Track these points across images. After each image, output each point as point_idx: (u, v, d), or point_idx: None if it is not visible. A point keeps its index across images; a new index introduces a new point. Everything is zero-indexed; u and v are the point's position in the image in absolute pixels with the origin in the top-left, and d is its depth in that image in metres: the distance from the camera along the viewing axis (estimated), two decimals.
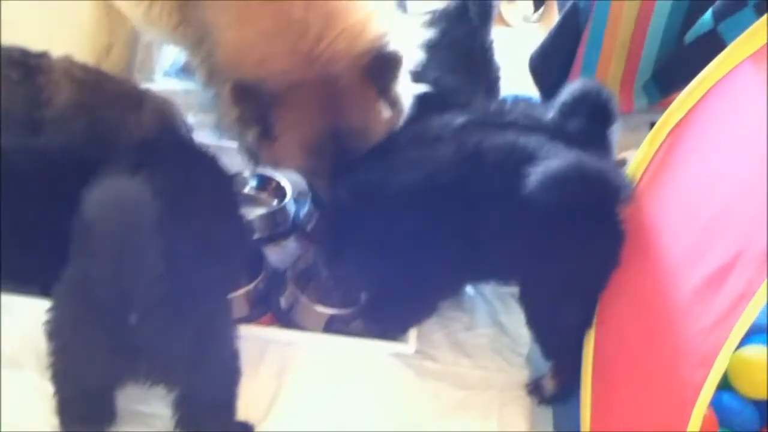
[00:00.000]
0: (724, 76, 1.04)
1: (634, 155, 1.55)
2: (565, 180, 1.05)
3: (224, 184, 1.35)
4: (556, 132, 1.26)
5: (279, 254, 1.56)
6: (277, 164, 1.37)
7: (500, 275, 1.35)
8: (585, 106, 1.30)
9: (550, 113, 1.33)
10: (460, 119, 1.33)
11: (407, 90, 1.35)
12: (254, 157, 1.33)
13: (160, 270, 0.93)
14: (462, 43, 1.64)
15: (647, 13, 1.72)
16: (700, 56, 1.61)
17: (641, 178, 1.16)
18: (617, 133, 1.41)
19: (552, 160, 1.08)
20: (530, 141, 1.18)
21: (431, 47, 1.61)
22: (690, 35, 1.66)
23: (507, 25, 2.57)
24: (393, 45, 1.25)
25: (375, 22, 1.25)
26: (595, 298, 1.16)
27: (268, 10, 1.20)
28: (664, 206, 1.07)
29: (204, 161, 1.33)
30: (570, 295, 1.19)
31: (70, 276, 1.03)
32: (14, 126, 1.29)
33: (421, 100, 1.44)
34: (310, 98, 1.21)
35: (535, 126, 1.30)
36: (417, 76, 1.51)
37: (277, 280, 1.46)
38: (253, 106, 1.21)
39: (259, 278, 1.43)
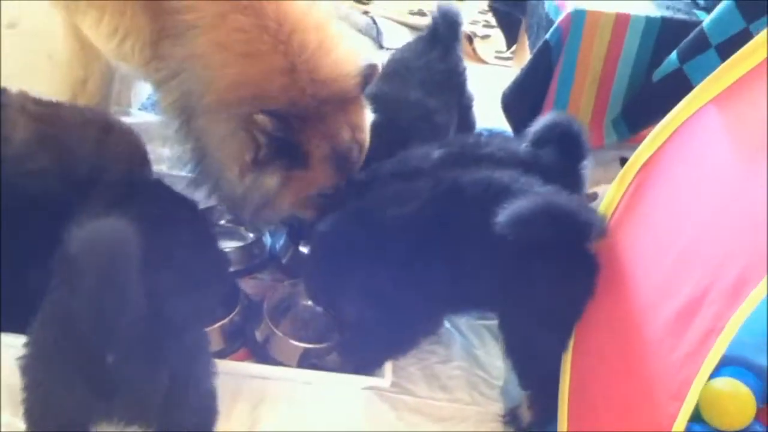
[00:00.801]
0: (689, 117, 1.08)
1: (606, 190, 1.59)
2: (532, 219, 1.08)
3: (198, 217, 1.36)
4: (530, 164, 1.30)
5: (255, 287, 1.56)
6: (300, 194, 1.36)
7: (479, 306, 1.37)
8: (556, 137, 1.33)
9: (523, 144, 1.37)
10: (438, 152, 1.36)
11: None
12: (260, 208, 1.34)
13: (142, 308, 0.93)
14: (436, 66, 1.69)
15: (616, 51, 1.78)
16: (667, 94, 1.68)
17: (613, 214, 1.19)
18: (589, 167, 1.45)
19: (521, 200, 1.11)
20: (505, 175, 1.21)
21: (407, 69, 1.67)
22: (657, 74, 1.72)
23: (481, 61, 2.63)
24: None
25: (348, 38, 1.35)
26: (571, 327, 1.19)
27: (272, 42, 1.26)
28: (635, 241, 1.10)
29: (176, 195, 1.34)
30: (546, 324, 1.21)
31: (48, 312, 1.02)
32: None
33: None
34: (332, 113, 1.29)
35: (510, 158, 1.33)
36: (396, 98, 1.57)
37: (252, 313, 1.46)
38: (284, 125, 1.23)
39: (235, 311, 1.42)
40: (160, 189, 1.35)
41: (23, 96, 1.39)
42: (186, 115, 1.34)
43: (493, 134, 1.56)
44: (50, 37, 1.63)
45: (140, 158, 1.44)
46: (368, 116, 1.41)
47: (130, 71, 1.54)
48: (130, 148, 1.42)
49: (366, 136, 1.40)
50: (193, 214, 1.35)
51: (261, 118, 1.21)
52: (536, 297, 1.18)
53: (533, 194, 1.13)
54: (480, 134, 1.53)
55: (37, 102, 1.39)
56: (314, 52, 1.29)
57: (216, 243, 1.36)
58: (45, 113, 1.37)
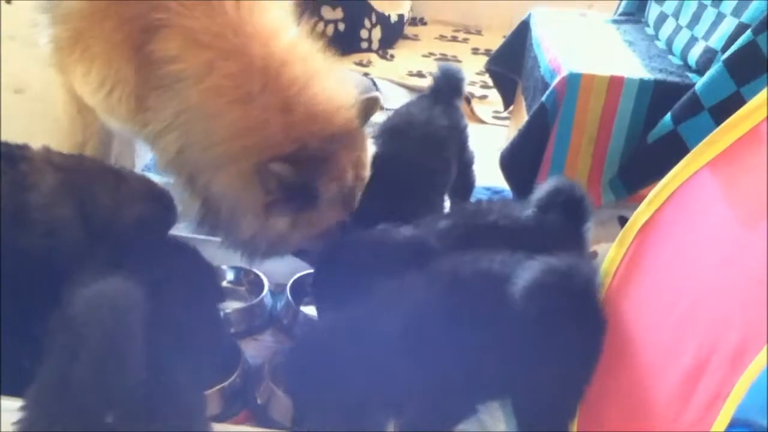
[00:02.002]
0: (687, 180, 1.10)
1: (605, 248, 1.60)
2: (543, 285, 1.08)
3: (206, 277, 1.35)
4: (534, 230, 1.30)
5: (256, 348, 1.55)
6: (310, 234, 1.36)
7: (494, 395, 1.31)
8: (560, 202, 1.35)
9: (527, 210, 1.38)
10: (443, 223, 1.37)
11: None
12: (271, 248, 1.35)
13: (143, 370, 0.92)
14: (438, 122, 1.73)
15: (611, 113, 1.81)
16: (662, 155, 1.71)
17: (614, 276, 1.19)
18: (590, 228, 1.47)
19: (526, 271, 1.11)
20: (506, 263, 1.18)
21: (410, 126, 1.70)
22: (652, 135, 1.75)
23: (479, 121, 2.69)
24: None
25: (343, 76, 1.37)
26: (581, 391, 1.17)
27: (267, 85, 1.26)
28: (638, 303, 1.10)
29: (186, 253, 1.34)
30: (557, 389, 1.19)
31: (47, 374, 1.01)
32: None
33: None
34: (337, 151, 1.29)
35: (513, 225, 1.34)
36: (397, 154, 1.59)
37: (253, 375, 1.45)
38: (300, 169, 1.23)
39: (236, 374, 1.41)
40: (168, 243, 1.35)
41: (47, 149, 1.42)
42: (189, 171, 1.33)
43: (494, 200, 1.58)
44: (56, 102, 1.66)
45: (155, 208, 1.45)
46: (370, 150, 1.44)
47: (122, 127, 1.53)
48: (145, 198, 1.44)
49: (367, 171, 1.42)
50: (201, 272, 1.34)
51: (278, 167, 1.22)
52: (550, 365, 1.15)
53: (535, 263, 1.12)
54: (481, 201, 1.55)
55: (60, 154, 1.42)
56: (305, 85, 1.28)
57: (218, 304, 1.36)
58: (68, 163, 1.40)
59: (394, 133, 1.68)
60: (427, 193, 1.66)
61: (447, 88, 1.80)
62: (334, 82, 1.35)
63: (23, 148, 1.41)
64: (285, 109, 1.26)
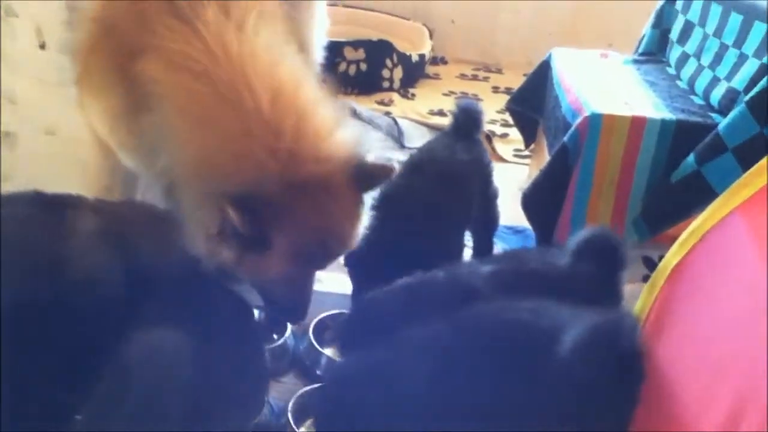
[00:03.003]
0: (716, 224, 1.09)
1: (630, 289, 1.58)
2: (592, 345, 1.07)
3: (246, 319, 1.34)
4: (570, 278, 1.31)
5: (278, 390, 1.54)
6: (254, 276, 1.30)
7: None
8: (595, 251, 1.35)
9: (565, 258, 1.38)
10: (488, 268, 1.37)
11: None
12: (229, 270, 1.27)
13: (188, 417, 0.93)
14: (460, 158, 1.73)
15: (633, 153, 1.81)
16: (686, 196, 1.71)
17: (645, 322, 1.18)
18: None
19: (573, 329, 1.10)
20: (537, 313, 1.17)
21: (432, 163, 1.71)
22: (675, 175, 1.74)
23: (500, 159, 2.69)
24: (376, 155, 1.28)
25: (346, 126, 1.27)
26: None
27: (232, 110, 1.19)
28: (671, 350, 1.09)
29: (229, 297, 1.32)
30: None
31: (89, 422, 1.01)
32: (41, 265, 1.28)
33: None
34: (304, 201, 1.18)
35: (552, 273, 1.35)
36: (419, 192, 1.59)
37: (275, 417, 1.44)
38: (251, 216, 1.15)
39: (259, 416, 1.41)
40: (210, 287, 1.34)
41: (87, 197, 1.43)
42: (173, 190, 1.29)
43: (529, 248, 1.59)
44: (85, 145, 1.69)
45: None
46: (359, 207, 1.30)
47: (137, 165, 1.51)
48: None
49: (353, 228, 1.30)
50: (242, 314, 1.33)
51: (230, 211, 1.13)
52: (585, 417, 1.12)
53: (581, 320, 1.11)
54: (517, 250, 1.56)
55: (99, 199, 1.43)
56: (284, 120, 1.19)
57: (261, 352, 1.35)
58: (108, 209, 1.41)
59: (416, 169, 1.69)
60: (449, 229, 1.66)
61: (467, 123, 1.81)
62: (323, 123, 1.24)
63: (64, 195, 1.43)
64: (256, 142, 1.17)
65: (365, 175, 1.26)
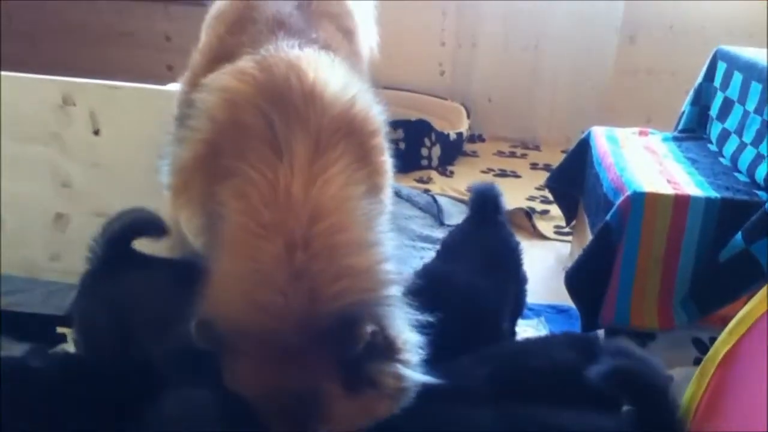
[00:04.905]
0: (765, 312, 1.06)
1: (681, 373, 1.53)
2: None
3: None
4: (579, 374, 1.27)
5: None
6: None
7: None
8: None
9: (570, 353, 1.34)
10: (484, 369, 1.32)
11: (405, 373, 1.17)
12: None
13: None
14: (486, 243, 1.72)
15: (679, 232, 1.78)
16: (735, 276, 1.67)
17: (696, 411, 1.14)
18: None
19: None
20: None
21: (457, 251, 1.70)
22: (724, 254, 1.70)
23: (541, 237, 2.68)
24: (366, 311, 1.11)
25: (352, 280, 1.14)
26: None
27: (262, 255, 1.15)
28: None
29: None
30: None
31: None
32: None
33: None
34: (257, 353, 1.10)
35: (556, 369, 1.31)
36: (446, 279, 1.56)
37: None
38: (210, 345, 1.11)
39: None
40: None
41: None
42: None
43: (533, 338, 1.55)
44: None
45: None
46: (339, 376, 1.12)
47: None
48: None
49: (324, 397, 1.11)
50: None
51: (198, 336, 1.10)
52: None
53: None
54: (520, 342, 1.52)
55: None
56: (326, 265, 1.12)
57: None
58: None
59: (443, 256, 1.69)
60: (481, 315, 1.62)
61: (485, 207, 1.79)
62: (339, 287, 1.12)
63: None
64: (260, 314, 1.10)
65: (341, 337, 1.09)
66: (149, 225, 1.52)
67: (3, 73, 1.98)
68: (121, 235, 1.50)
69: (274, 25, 1.59)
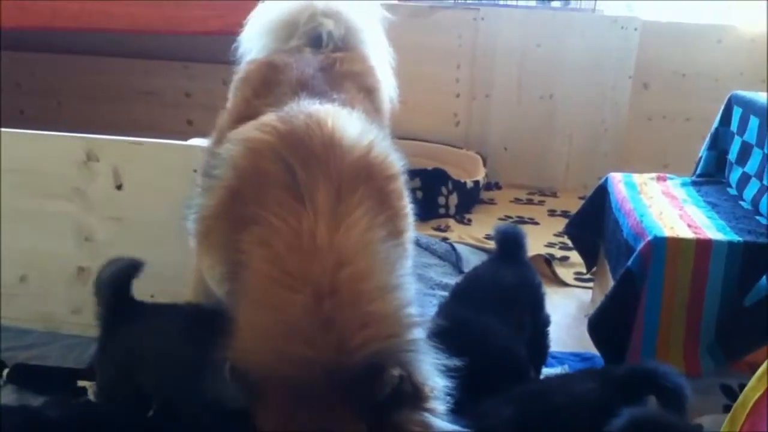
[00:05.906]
0: None
1: (709, 421, 1.49)
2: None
3: None
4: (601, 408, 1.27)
5: None
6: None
7: None
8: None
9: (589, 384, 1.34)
10: (509, 409, 1.31)
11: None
12: None
13: None
14: (508, 282, 1.72)
15: (702, 276, 1.76)
16: (762, 320, 1.64)
17: None
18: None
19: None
20: None
21: (478, 290, 1.68)
22: (749, 299, 1.68)
23: (561, 284, 2.65)
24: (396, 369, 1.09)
25: (380, 329, 1.13)
26: None
27: (286, 304, 1.15)
28: None
29: None
30: None
31: None
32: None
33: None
34: (285, 401, 1.10)
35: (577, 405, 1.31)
36: (467, 322, 1.55)
37: None
38: (243, 389, 1.12)
39: None
40: None
41: None
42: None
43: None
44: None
45: None
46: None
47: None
48: None
49: None
50: None
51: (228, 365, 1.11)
52: None
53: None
54: (541, 381, 1.50)
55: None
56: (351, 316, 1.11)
57: None
58: None
59: (462, 297, 1.68)
60: (503, 358, 1.60)
61: (510, 246, 1.81)
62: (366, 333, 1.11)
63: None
64: (292, 364, 1.10)
65: (365, 387, 1.09)
66: (131, 267, 1.55)
67: (28, 131, 2.04)
68: (118, 285, 1.53)
69: (297, 87, 1.65)
